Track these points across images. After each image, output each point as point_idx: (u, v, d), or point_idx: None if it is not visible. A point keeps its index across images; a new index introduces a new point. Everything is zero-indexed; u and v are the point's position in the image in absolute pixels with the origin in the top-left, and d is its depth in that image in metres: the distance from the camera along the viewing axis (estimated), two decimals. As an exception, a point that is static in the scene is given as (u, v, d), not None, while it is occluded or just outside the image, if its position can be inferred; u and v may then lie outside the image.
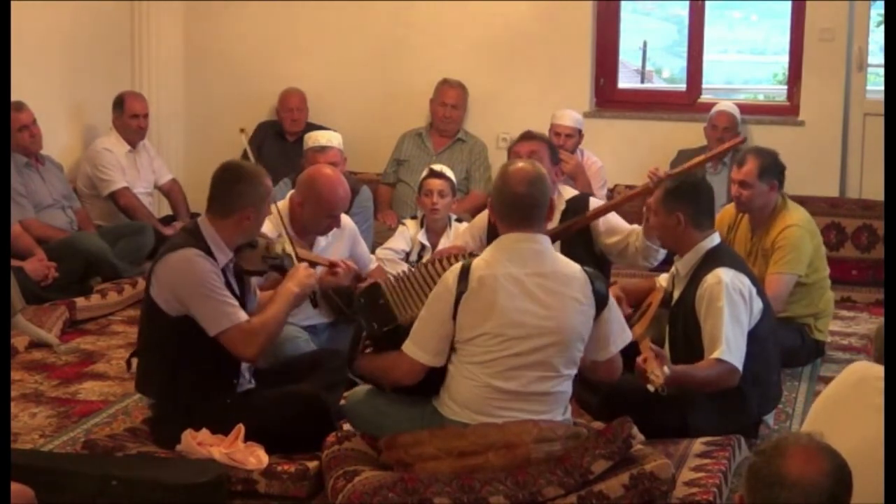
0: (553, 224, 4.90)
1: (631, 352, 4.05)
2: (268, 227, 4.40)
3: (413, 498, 3.37)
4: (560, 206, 4.95)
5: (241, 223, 3.95)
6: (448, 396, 3.59)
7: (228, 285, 3.90)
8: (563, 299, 3.53)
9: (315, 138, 5.99)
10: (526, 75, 7.58)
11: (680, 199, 4.22)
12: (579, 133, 6.89)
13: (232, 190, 3.95)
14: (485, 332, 3.48)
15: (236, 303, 3.85)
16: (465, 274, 3.51)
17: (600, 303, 3.59)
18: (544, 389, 3.54)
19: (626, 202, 5.01)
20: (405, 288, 3.78)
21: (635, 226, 4.87)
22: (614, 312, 3.67)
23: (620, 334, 3.70)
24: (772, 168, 5.14)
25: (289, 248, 4.23)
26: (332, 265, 4.55)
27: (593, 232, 4.95)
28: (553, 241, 4.82)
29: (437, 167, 5.97)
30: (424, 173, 5.94)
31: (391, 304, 3.74)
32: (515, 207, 3.58)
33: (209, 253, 3.88)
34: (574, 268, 3.60)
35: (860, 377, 2.73)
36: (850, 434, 2.51)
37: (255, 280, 4.20)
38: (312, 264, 4.42)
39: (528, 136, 5.08)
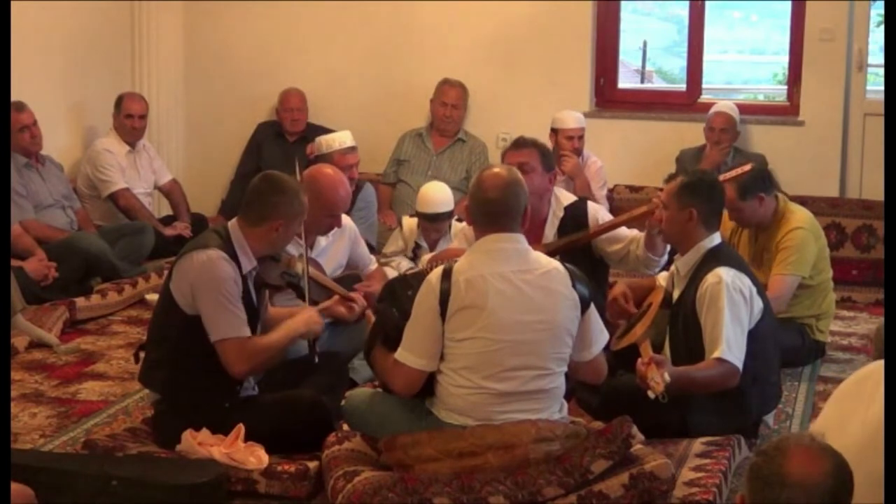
0: (550, 229, 4.87)
1: (630, 352, 4.05)
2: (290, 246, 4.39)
3: (413, 498, 3.37)
4: (559, 214, 4.87)
5: (269, 234, 3.95)
6: (444, 406, 3.59)
7: (247, 293, 3.91)
8: (551, 294, 3.53)
9: (340, 139, 6.03)
10: (526, 75, 7.58)
11: (695, 195, 4.21)
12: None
13: (267, 200, 3.95)
14: (475, 333, 3.48)
15: (245, 317, 3.85)
16: (447, 275, 3.51)
17: (583, 303, 3.60)
18: (539, 387, 3.54)
19: (629, 221, 4.86)
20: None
21: (635, 231, 4.84)
22: (594, 314, 3.69)
23: (600, 335, 3.72)
24: (750, 184, 5.06)
25: (299, 268, 4.24)
26: (345, 297, 4.53)
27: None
28: (552, 256, 4.80)
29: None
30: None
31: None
32: (486, 213, 3.59)
33: (235, 257, 3.88)
34: (555, 264, 3.62)
35: (876, 367, 2.72)
36: (860, 418, 2.52)
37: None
38: (323, 289, 4.44)
39: (518, 145, 4.89)
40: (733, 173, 4.98)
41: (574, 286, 3.57)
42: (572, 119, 6.84)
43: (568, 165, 6.58)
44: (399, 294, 3.77)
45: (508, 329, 3.48)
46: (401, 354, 3.57)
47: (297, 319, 4.03)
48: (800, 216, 5.19)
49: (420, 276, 3.80)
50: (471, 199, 3.67)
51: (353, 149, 5.98)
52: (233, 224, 3.98)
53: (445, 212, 5.91)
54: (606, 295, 4.68)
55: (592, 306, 3.66)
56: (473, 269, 3.51)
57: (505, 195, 3.57)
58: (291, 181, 4.10)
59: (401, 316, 3.69)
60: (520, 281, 3.51)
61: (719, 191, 4.35)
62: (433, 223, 5.92)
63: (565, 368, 3.63)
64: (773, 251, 5.12)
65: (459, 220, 6.01)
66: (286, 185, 4.01)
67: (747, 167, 5.05)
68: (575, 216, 4.88)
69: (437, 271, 3.55)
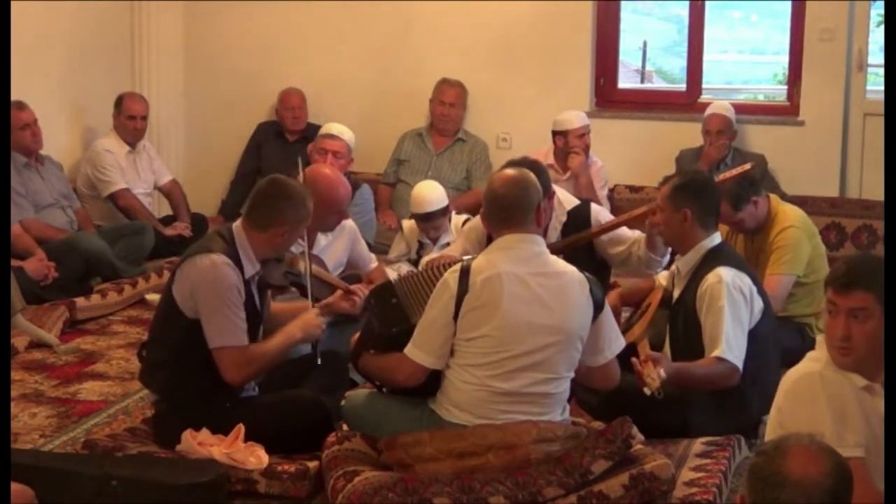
0: (553, 233, 4.86)
1: (629, 353, 4.05)
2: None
3: (413, 498, 3.37)
4: (561, 219, 4.85)
5: (274, 239, 3.95)
6: (447, 401, 3.59)
7: (250, 297, 3.91)
8: (565, 299, 3.54)
9: (328, 127, 6.23)
10: (526, 75, 7.57)
11: (688, 196, 4.22)
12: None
13: (273, 205, 3.95)
14: (487, 332, 3.48)
15: (244, 325, 3.84)
16: (465, 274, 3.51)
17: (597, 307, 3.60)
18: (544, 391, 3.55)
19: (629, 221, 4.86)
20: (415, 288, 3.77)
21: (637, 232, 4.84)
22: (609, 318, 3.69)
23: (615, 340, 3.71)
24: (741, 193, 5.01)
25: (302, 267, 4.24)
26: (348, 291, 4.54)
27: (595, 241, 4.91)
28: (556, 256, 4.79)
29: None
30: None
31: (403, 304, 3.73)
32: (497, 208, 3.61)
33: (238, 261, 3.87)
34: (571, 269, 3.62)
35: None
36: None
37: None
38: (326, 286, 4.44)
39: None
40: (734, 172, 4.96)
41: (591, 292, 3.58)
42: (577, 118, 6.82)
43: (574, 162, 6.58)
44: (384, 302, 3.77)
45: (520, 331, 3.48)
46: (410, 350, 3.58)
47: (295, 324, 4.01)
48: (791, 215, 5.18)
49: (407, 282, 3.80)
50: (484, 200, 3.68)
51: (331, 136, 6.08)
52: (237, 227, 3.97)
53: (438, 209, 5.92)
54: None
55: (607, 309, 3.67)
56: (491, 268, 3.51)
57: (515, 191, 3.59)
58: (298, 187, 4.09)
59: (381, 326, 3.70)
60: (535, 284, 3.52)
61: (712, 189, 4.34)
62: (428, 222, 5.93)
63: (572, 374, 3.64)
64: (768, 251, 5.11)
65: (460, 213, 6.04)
66: (293, 190, 4.00)
67: (748, 166, 5.04)
68: (578, 220, 4.87)
69: (455, 271, 3.54)
